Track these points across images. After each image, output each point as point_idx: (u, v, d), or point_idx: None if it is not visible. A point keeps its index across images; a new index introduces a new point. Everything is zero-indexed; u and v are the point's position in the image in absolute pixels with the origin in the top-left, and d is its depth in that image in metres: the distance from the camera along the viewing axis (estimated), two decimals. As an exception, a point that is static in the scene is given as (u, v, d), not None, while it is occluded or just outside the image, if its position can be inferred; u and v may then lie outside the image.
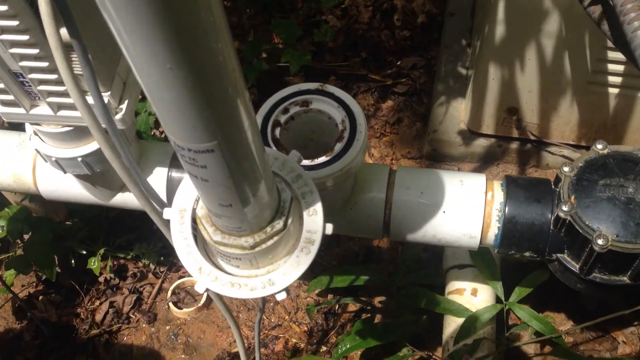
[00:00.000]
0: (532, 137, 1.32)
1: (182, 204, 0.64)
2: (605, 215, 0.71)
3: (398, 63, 1.62)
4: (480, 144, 1.38)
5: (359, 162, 0.74)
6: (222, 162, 0.47)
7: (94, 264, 1.36)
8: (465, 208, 0.78)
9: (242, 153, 0.49)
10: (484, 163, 1.41)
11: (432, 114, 1.45)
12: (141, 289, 1.41)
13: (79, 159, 0.76)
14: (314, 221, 0.63)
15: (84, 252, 1.39)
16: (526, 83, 1.20)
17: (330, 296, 1.30)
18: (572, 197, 0.73)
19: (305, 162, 0.72)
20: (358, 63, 1.63)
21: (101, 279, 1.42)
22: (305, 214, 0.63)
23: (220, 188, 0.52)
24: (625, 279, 0.76)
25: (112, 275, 1.41)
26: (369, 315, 1.24)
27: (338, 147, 0.72)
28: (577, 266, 0.77)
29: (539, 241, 0.77)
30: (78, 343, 1.35)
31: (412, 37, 1.65)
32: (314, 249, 0.63)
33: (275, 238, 0.61)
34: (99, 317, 1.38)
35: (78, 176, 0.84)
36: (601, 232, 0.71)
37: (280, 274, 0.63)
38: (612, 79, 1.15)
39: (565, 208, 0.72)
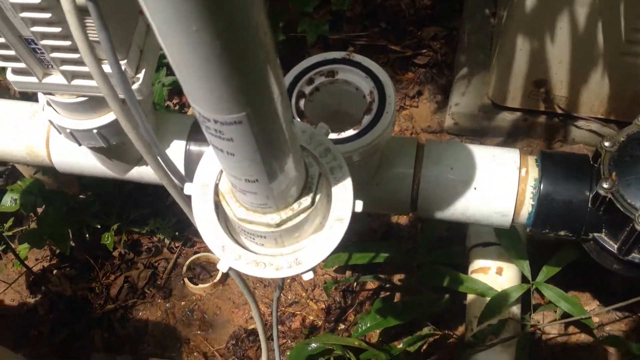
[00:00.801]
0: (559, 111, 1.27)
1: (204, 179, 0.60)
2: (649, 193, 0.67)
3: (418, 33, 1.57)
4: (505, 118, 1.34)
5: (387, 135, 0.70)
6: (250, 134, 0.44)
7: (108, 239, 1.34)
8: (498, 185, 0.74)
9: (271, 125, 0.45)
10: (508, 137, 1.36)
11: (453, 87, 1.40)
12: (156, 264, 1.40)
13: (95, 131, 0.73)
14: (343, 198, 0.59)
15: (98, 227, 1.36)
16: (556, 54, 1.15)
17: (348, 273, 1.27)
18: (613, 174, 0.69)
19: (332, 135, 0.68)
20: (377, 33, 1.58)
21: (115, 254, 1.40)
22: (333, 190, 0.60)
23: (246, 162, 0.48)
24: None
25: (126, 250, 1.40)
26: (388, 293, 1.21)
27: (366, 119, 0.68)
28: (616, 246, 0.73)
29: (576, 220, 0.73)
30: (93, 318, 1.34)
31: (433, 6, 1.59)
32: (343, 227, 0.59)
33: (303, 215, 0.58)
34: (113, 291, 1.36)
35: (93, 149, 0.81)
36: (645, 211, 0.67)
37: (307, 253, 0.59)
38: (646, 49, 1.10)
39: (605, 185, 0.68)
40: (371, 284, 1.26)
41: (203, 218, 0.60)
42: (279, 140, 0.48)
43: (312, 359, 1.01)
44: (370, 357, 1.02)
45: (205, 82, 0.38)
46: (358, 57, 0.71)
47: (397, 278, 1.25)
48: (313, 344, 0.99)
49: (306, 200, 0.57)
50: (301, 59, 1.70)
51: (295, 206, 0.57)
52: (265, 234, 0.59)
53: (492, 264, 1.04)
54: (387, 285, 1.23)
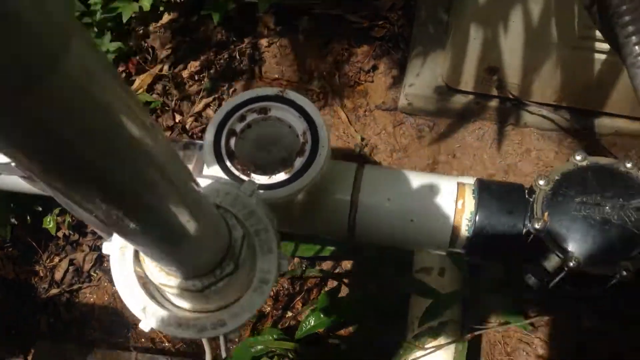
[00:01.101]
0: (511, 97, 1.25)
1: (123, 240, 0.58)
2: (579, 235, 0.67)
3: (374, 2, 1.50)
4: (458, 101, 1.31)
5: (321, 178, 0.67)
6: (147, 237, 0.41)
7: (50, 223, 1.31)
8: (435, 216, 0.73)
9: (171, 225, 0.43)
10: (460, 119, 1.34)
11: (408, 66, 1.36)
12: (102, 246, 1.36)
13: (13, 164, 0.68)
14: (269, 260, 0.57)
15: (40, 209, 1.32)
16: (508, 45, 1.12)
17: (296, 260, 1.27)
18: (546, 214, 0.68)
19: (263, 179, 0.65)
20: (332, 1, 1.51)
21: (60, 234, 1.36)
22: (259, 251, 0.58)
23: (152, 251, 0.46)
24: (596, 291, 0.74)
25: (71, 232, 1.36)
26: (335, 283, 1.21)
27: (299, 162, 0.65)
28: (548, 278, 0.73)
29: (509, 252, 0.73)
30: (38, 302, 1.32)
31: (390, -26, 1.52)
32: (267, 289, 0.58)
33: (226, 280, 0.56)
34: (58, 275, 1.34)
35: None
36: (574, 254, 0.67)
37: (231, 315, 0.58)
38: (599, 45, 1.08)
39: (537, 226, 0.68)
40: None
41: (122, 280, 0.58)
42: (184, 233, 0.46)
43: (257, 359, 1.02)
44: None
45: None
46: (291, 95, 0.67)
47: (344, 266, 1.25)
48: (258, 346, 1.00)
49: (229, 266, 0.55)
50: (254, 27, 1.62)
51: (218, 272, 0.55)
52: (188, 296, 0.57)
53: (435, 265, 1.04)
54: (334, 273, 1.24)
